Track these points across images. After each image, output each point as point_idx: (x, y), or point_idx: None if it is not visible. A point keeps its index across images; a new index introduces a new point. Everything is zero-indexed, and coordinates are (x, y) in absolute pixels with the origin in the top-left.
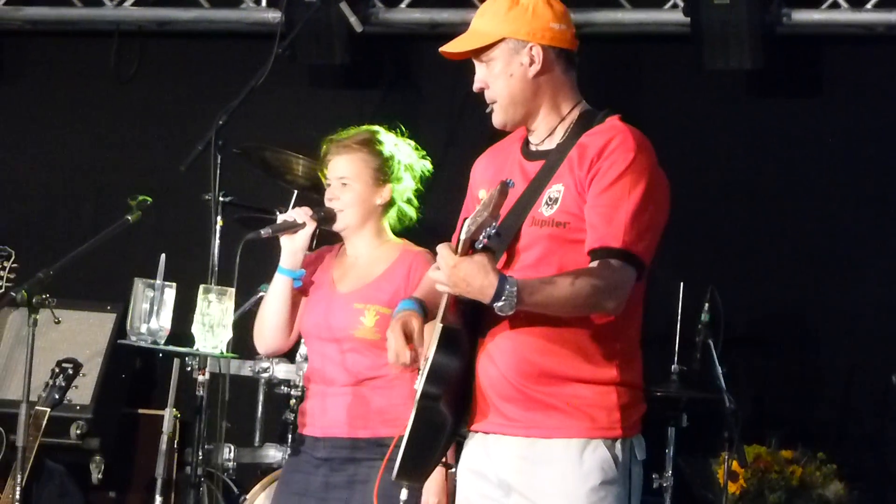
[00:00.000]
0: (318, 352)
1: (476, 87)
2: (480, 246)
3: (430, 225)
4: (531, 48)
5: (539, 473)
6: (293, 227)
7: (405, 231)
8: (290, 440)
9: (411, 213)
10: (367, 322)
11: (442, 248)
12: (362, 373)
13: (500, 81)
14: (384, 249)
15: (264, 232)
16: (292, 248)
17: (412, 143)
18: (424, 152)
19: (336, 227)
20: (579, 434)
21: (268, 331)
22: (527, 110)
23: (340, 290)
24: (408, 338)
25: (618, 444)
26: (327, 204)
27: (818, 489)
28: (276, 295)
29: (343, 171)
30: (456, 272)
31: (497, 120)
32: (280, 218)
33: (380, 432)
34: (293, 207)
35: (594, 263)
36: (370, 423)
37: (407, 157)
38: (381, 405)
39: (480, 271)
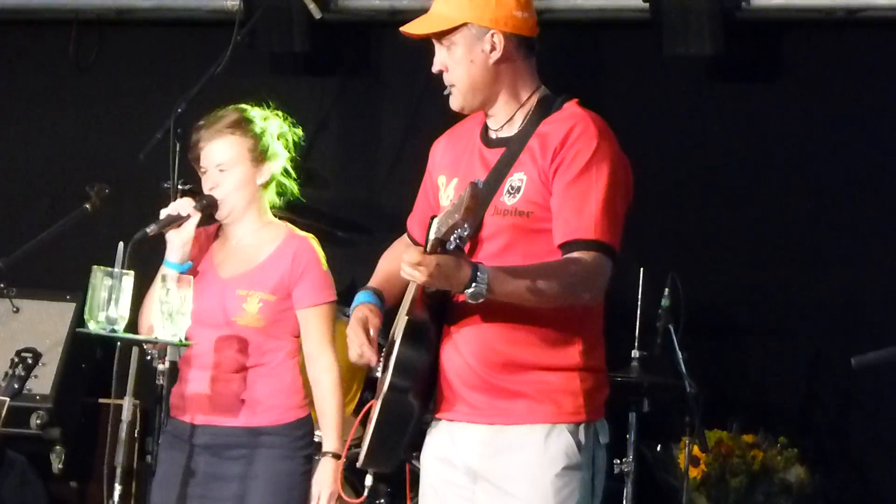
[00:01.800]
0: (201, 337)
1: (435, 69)
2: (452, 247)
3: (391, 211)
4: (493, 35)
5: (505, 460)
6: (178, 221)
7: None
8: (165, 413)
9: (292, 186)
10: (249, 308)
11: (411, 251)
12: (245, 360)
13: (460, 66)
14: (267, 232)
15: (150, 230)
16: (180, 241)
17: (280, 113)
18: (293, 120)
19: (219, 215)
20: (544, 419)
21: (147, 324)
22: (485, 96)
23: (223, 276)
24: (367, 334)
25: (581, 429)
26: (207, 192)
27: (780, 473)
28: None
29: (219, 157)
30: (429, 270)
31: (455, 103)
32: (163, 213)
33: (258, 421)
34: (184, 198)
35: (567, 256)
36: (249, 411)
37: (277, 128)
38: (264, 393)
39: (454, 264)
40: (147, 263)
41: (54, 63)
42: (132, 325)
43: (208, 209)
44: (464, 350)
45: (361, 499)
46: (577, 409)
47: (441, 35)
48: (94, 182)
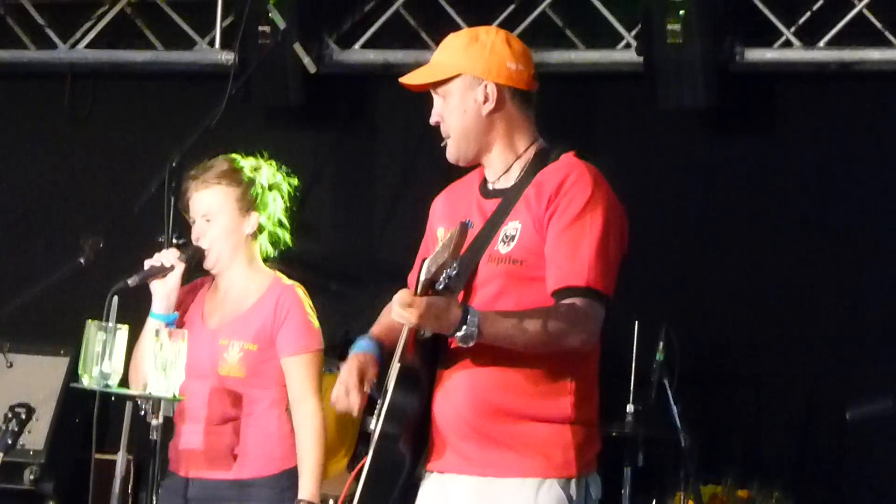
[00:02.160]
0: (191, 389)
1: (433, 119)
2: (441, 287)
3: (386, 264)
4: (486, 86)
5: None
6: (162, 272)
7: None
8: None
9: (285, 237)
10: (230, 358)
11: (402, 293)
12: (231, 412)
13: (454, 116)
14: (254, 281)
15: (131, 281)
16: (164, 292)
17: (273, 162)
18: (288, 169)
19: (206, 265)
20: (534, 473)
21: (144, 377)
22: (479, 146)
23: (209, 326)
24: (360, 382)
25: (573, 484)
26: (194, 242)
27: None
28: (146, 341)
29: (205, 208)
30: (419, 311)
31: (450, 154)
32: (147, 264)
33: (245, 473)
34: (169, 248)
35: (560, 303)
36: (234, 463)
37: (269, 178)
38: (251, 444)
39: (444, 306)
40: (134, 314)
41: (50, 115)
42: (126, 380)
43: (193, 259)
44: (455, 398)
45: None
46: (568, 463)
47: (437, 85)
48: (89, 235)
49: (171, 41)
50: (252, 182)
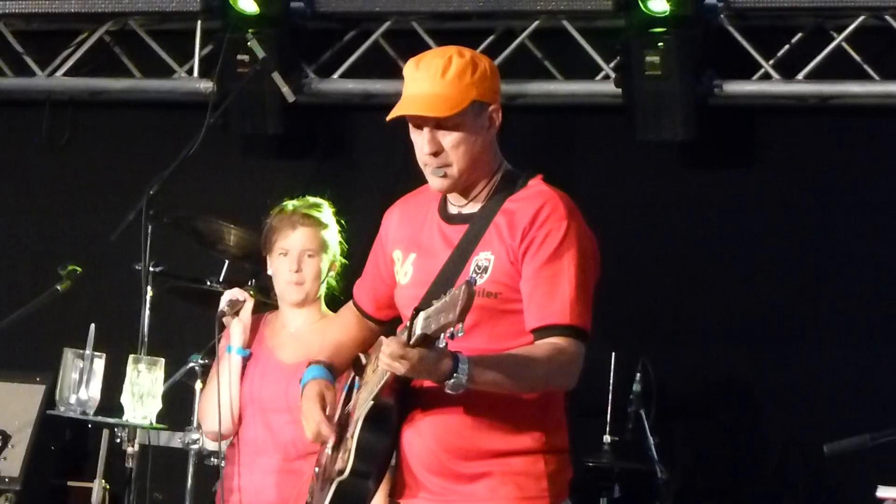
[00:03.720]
0: (255, 422)
1: (431, 149)
2: (442, 345)
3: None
4: (492, 110)
5: None
6: (241, 305)
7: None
8: None
9: (333, 282)
10: None
11: (392, 342)
12: (306, 446)
13: (462, 147)
14: (325, 322)
15: (225, 317)
16: (242, 327)
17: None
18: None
19: (293, 299)
20: (507, 502)
21: (228, 414)
22: (479, 175)
23: (285, 361)
24: (323, 411)
25: None
26: (289, 274)
27: None
28: (236, 377)
29: (309, 244)
30: (411, 364)
31: (446, 185)
32: (225, 298)
33: None
34: (224, 276)
35: (543, 342)
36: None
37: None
38: None
39: (436, 359)
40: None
41: (28, 144)
42: (103, 408)
43: (263, 292)
44: (426, 435)
45: None
46: (541, 494)
47: (445, 117)
48: (66, 263)
49: (150, 69)
50: (336, 230)
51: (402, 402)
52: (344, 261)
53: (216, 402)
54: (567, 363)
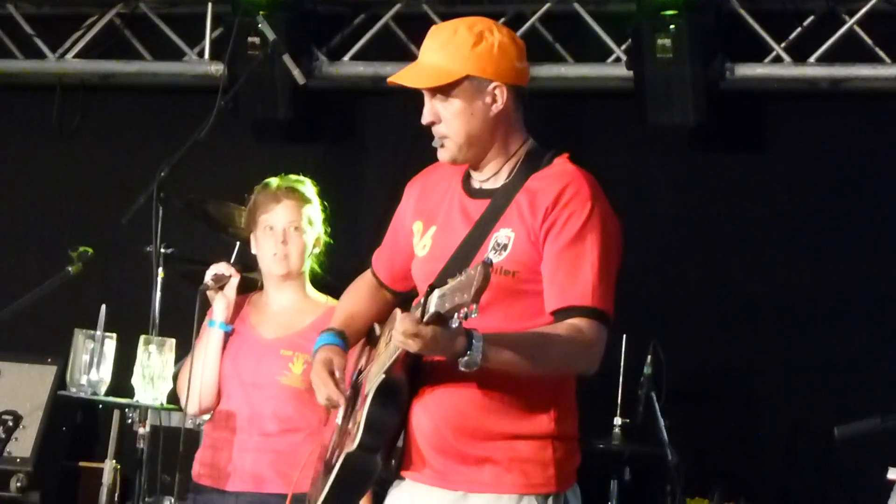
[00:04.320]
0: (235, 397)
1: (425, 120)
2: (455, 325)
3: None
4: (495, 87)
5: None
6: (226, 280)
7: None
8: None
9: (321, 259)
10: (295, 370)
11: (406, 319)
12: (285, 422)
13: (457, 120)
14: (310, 301)
15: (209, 289)
16: (226, 302)
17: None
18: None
19: (276, 271)
20: (512, 490)
21: (206, 389)
22: (480, 149)
23: (265, 336)
24: (332, 376)
25: (550, 500)
26: (275, 246)
27: None
28: (214, 351)
29: (294, 218)
30: (424, 342)
31: (446, 156)
32: (209, 273)
33: (300, 487)
34: (234, 259)
35: (563, 323)
36: (290, 476)
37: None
38: (301, 458)
39: (450, 337)
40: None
41: (38, 127)
42: (114, 389)
43: (248, 269)
44: (434, 413)
45: None
46: (548, 481)
47: (439, 88)
48: (77, 245)
49: (161, 52)
50: (322, 205)
51: (413, 377)
52: (328, 239)
53: (198, 381)
54: (588, 346)
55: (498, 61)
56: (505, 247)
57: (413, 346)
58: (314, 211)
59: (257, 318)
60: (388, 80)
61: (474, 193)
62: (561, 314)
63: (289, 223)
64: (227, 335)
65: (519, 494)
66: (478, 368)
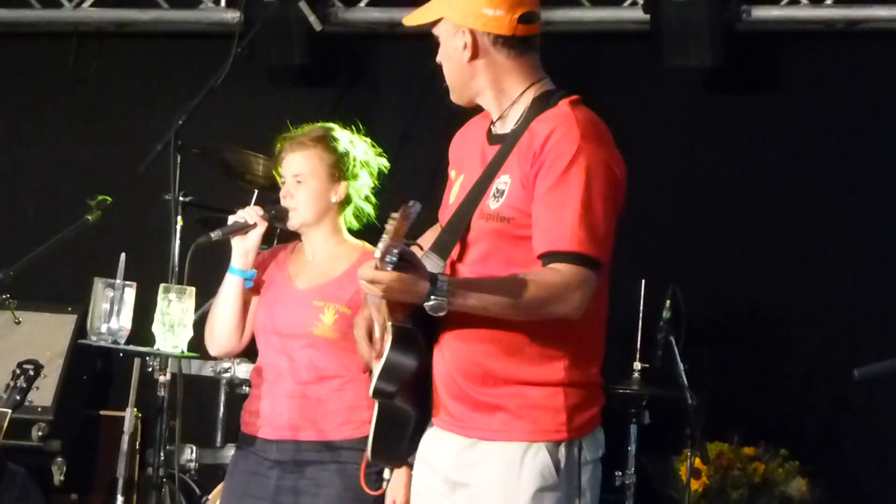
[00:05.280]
0: (273, 347)
1: (438, 59)
2: (390, 268)
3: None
4: (463, 32)
5: (479, 474)
6: (244, 228)
7: (363, 228)
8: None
9: (369, 210)
10: (326, 320)
11: (364, 266)
12: (318, 370)
13: (444, 61)
14: (343, 249)
15: (214, 235)
16: (244, 249)
17: (368, 140)
18: (381, 150)
19: (291, 224)
20: (521, 437)
21: (219, 332)
22: (469, 92)
23: (298, 287)
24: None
25: (562, 448)
26: (283, 202)
27: (780, 486)
28: (227, 296)
29: (298, 168)
30: (383, 286)
31: (451, 96)
32: (230, 219)
33: (332, 435)
34: (253, 206)
35: (545, 268)
36: (323, 424)
37: (363, 153)
38: (336, 407)
39: (409, 280)
40: (147, 274)
41: (54, 75)
42: (134, 337)
43: (277, 219)
44: (448, 359)
45: (381, 491)
46: (558, 427)
47: (430, 28)
48: (96, 194)
49: (176, 0)
50: (346, 153)
51: (427, 324)
52: (375, 184)
53: (213, 322)
54: (566, 290)
55: (463, 7)
56: (502, 193)
57: (376, 292)
58: (329, 157)
59: (295, 268)
60: (403, 20)
61: (492, 139)
62: (544, 259)
63: (292, 176)
64: (246, 281)
65: (528, 442)
66: (446, 312)
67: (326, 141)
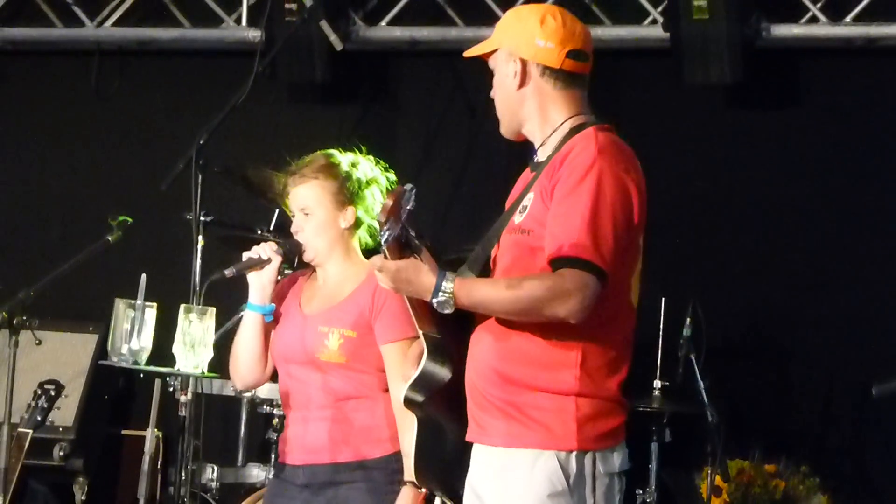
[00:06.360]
0: (289, 375)
1: (491, 94)
2: (384, 248)
3: None
4: (515, 61)
5: (497, 482)
6: (259, 264)
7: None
8: (273, 461)
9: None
10: (331, 345)
11: (375, 258)
12: (335, 394)
13: (498, 91)
14: (353, 271)
15: (228, 272)
16: (260, 284)
17: (371, 158)
18: (386, 164)
19: (306, 258)
20: (533, 444)
21: (242, 366)
22: (517, 119)
23: (307, 313)
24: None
25: (573, 458)
26: (295, 237)
27: (801, 503)
28: (248, 332)
29: (303, 202)
30: (389, 275)
31: (501, 129)
32: (245, 256)
33: (358, 455)
34: (274, 225)
35: (550, 272)
36: (348, 445)
37: (366, 173)
38: (359, 427)
39: (414, 271)
40: (168, 293)
41: (77, 94)
42: (155, 357)
43: (292, 253)
44: (470, 366)
45: None
46: (568, 436)
47: (486, 58)
48: (117, 213)
49: (198, 19)
50: (349, 177)
51: (459, 333)
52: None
53: (236, 356)
54: (565, 293)
55: (518, 37)
56: (526, 208)
57: (385, 282)
58: (330, 185)
59: (308, 293)
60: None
61: (533, 167)
62: (552, 264)
63: (299, 209)
64: (265, 315)
65: (540, 450)
66: (452, 310)
67: (327, 169)
